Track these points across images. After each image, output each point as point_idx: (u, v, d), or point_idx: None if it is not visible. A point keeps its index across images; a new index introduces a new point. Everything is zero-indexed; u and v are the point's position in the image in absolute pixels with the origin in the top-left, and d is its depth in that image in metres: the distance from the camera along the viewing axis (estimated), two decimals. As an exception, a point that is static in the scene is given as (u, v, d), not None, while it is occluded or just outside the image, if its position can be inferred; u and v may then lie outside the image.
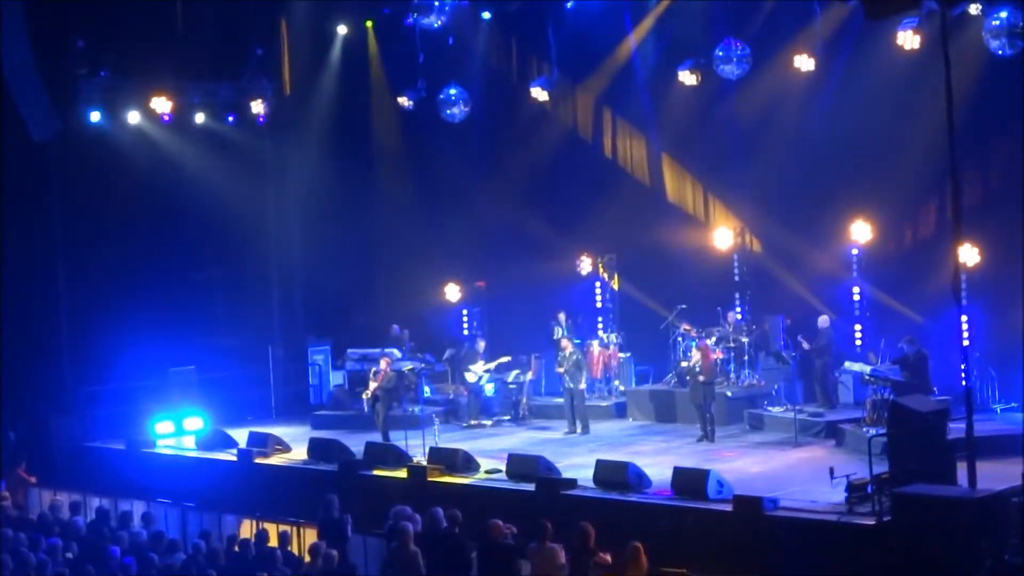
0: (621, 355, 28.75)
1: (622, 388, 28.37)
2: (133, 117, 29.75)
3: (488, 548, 17.07)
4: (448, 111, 29.23)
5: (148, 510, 22.22)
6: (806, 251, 27.60)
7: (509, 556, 16.93)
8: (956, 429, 18.13)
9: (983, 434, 19.23)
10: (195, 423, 27.59)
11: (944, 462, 17.66)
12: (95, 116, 29.32)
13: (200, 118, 30.49)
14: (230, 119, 31.02)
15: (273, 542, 19.10)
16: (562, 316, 28.74)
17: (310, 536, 19.84)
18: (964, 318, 20.58)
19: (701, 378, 24.34)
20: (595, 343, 28.47)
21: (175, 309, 29.72)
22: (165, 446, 26.94)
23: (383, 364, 26.03)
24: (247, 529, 21.20)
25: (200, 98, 30.52)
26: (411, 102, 29.88)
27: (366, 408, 26.22)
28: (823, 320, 25.72)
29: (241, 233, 31.39)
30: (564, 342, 26.51)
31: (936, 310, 24.07)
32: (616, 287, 29.70)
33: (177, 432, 27.43)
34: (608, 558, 16.43)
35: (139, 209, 29.77)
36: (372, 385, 25.89)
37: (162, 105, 29.63)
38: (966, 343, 18.45)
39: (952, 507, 16.12)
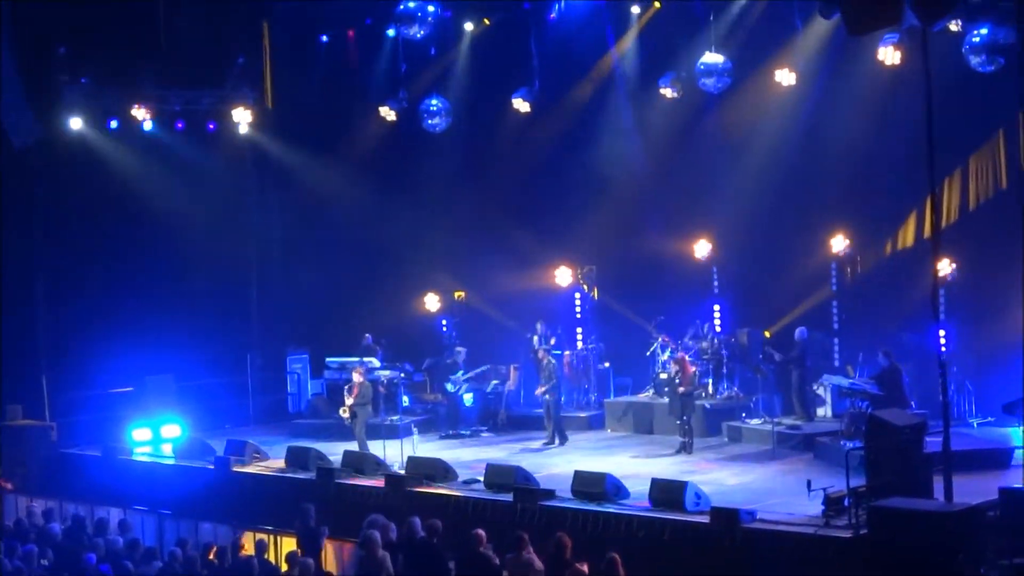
0: (600, 366, 28.78)
1: (601, 399, 28.39)
2: (114, 124, 29.71)
3: (469, 558, 17.05)
4: (430, 121, 29.27)
5: (124, 517, 22.20)
6: (785, 263, 27.68)
7: (490, 566, 16.92)
8: (933, 443, 18.20)
9: (960, 448, 19.32)
10: (173, 431, 27.52)
11: (921, 476, 17.73)
12: (76, 123, 29.31)
13: (182, 126, 30.45)
14: (212, 127, 30.98)
15: (249, 550, 19.06)
16: (539, 325, 28.78)
17: (287, 544, 19.82)
18: (942, 332, 20.64)
19: (681, 389, 24.37)
20: (568, 353, 28.51)
21: (154, 316, 29.64)
22: (142, 453, 26.87)
23: (356, 377, 25.86)
24: (225, 537, 21.14)
25: (182, 106, 30.50)
26: (393, 112, 29.91)
27: (346, 422, 26.14)
28: (801, 332, 25.80)
29: (221, 241, 31.32)
30: (540, 352, 26.54)
31: (914, 323, 24.16)
32: (596, 297, 29.75)
33: (154, 440, 27.34)
34: (585, 569, 16.42)
35: (119, 217, 29.75)
36: (348, 401, 25.72)
37: (143, 112, 29.61)
38: (943, 357, 18.54)
39: (929, 521, 16.15)
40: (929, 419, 20.32)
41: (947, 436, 17.32)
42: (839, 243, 26.47)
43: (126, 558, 18.41)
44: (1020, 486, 17.69)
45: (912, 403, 23.04)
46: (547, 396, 25.97)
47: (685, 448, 24.18)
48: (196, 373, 29.67)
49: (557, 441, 25.79)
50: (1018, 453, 20.47)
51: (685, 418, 24.31)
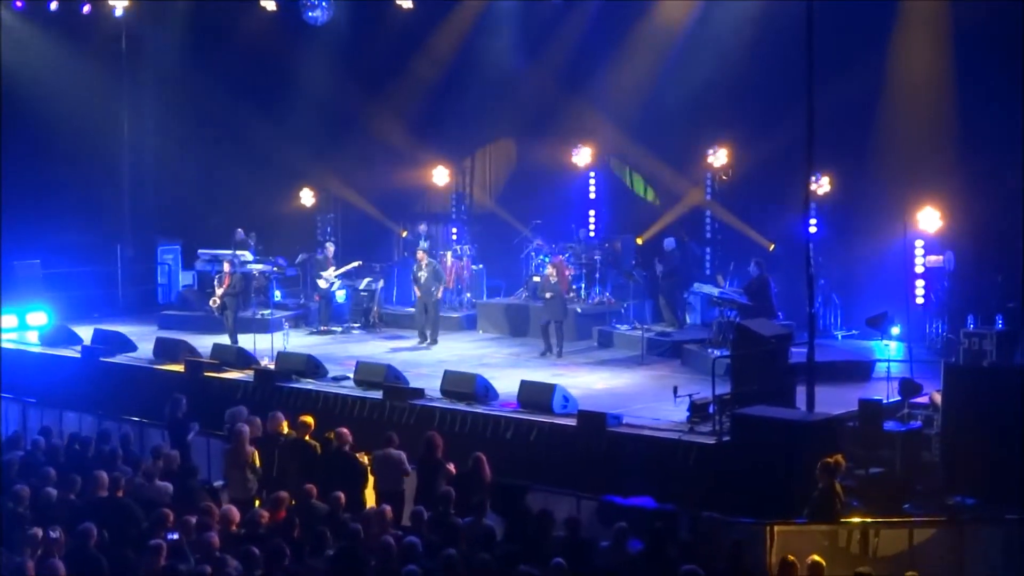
0: (474, 267, 28.79)
1: (474, 300, 28.44)
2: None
3: (334, 455, 17.04)
4: (311, 14, 28.79)
5: (-12, 405, 21.86)
6: (663, 172, 27.79)
7: (354, 463, 16.93)
8: (798, 353, 18.52)
9: (823, 359, 19.68)
10: (39, 318, 27.12)
11: (784, 385, 18.06)
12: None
13: (54, 6, 29.68)
14: (85, 9, 30.23)
15: (115, 441, 18.86)
16: (423, 227, 28.70)
17: (153, 437, 19.67)
18: (811, 244, 20.88)
19: (548, 295, 24.34)
20: (448, 254, 28.49)
21: (22, 202, 29.05)
22: (8, 340, 26.42)
23: (226, 268, 25.71)
24: (90, 427, 20.92)
25: (54, -14, 29.77)
26: (273, 2, 29.41)
27: (216, 312, 25.95)
28: (669, 242, 26.00)
29: (93, 128, 30.78)
30: (420, 253, 26.41)
31: (786, 236, 24.45)
32: (474, 198, 29.72)
33: (20, 327, 26.93)
34: (452, 468, 16.54)
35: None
36: (218, 291, 25.60)
37: (14, -10, 28.91)
38: (812, 270, 18.78)
39: (789, 429, 16.50)
40: (795, 330, 20.66)
41: (811, 347, 17.68)
42: (717, 154, 26.64)
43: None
44: (879, 398, 18.08)
45: (779, 314, 23.38)
46: (424, 295, 25.82)
47: (551, 351, 24.32)
48: (65, 261, 29.24)
49: (428, 340, 25.81)
50: (879, 366, 20.89)
51: (556, 323, 24.39)
